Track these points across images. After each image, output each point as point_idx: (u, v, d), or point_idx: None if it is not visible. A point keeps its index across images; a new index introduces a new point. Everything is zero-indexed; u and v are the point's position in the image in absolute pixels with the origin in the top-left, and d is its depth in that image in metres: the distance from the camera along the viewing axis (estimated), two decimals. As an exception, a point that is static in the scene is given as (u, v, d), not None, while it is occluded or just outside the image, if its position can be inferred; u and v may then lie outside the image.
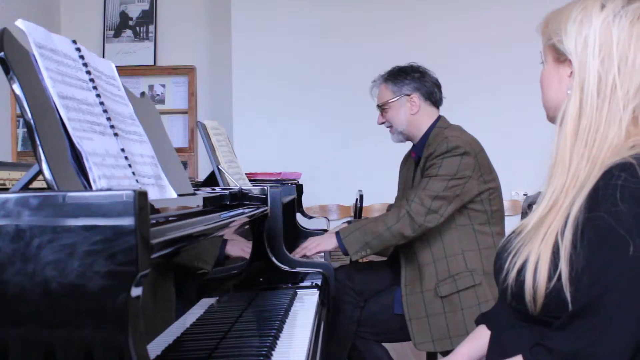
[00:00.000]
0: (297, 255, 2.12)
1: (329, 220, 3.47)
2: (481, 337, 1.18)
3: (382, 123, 2.33)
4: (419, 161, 2.20)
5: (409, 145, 2.40)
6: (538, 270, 0.96)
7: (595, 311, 0.90)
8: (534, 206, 1.04)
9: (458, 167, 2.03)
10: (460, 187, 2.03)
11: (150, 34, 4.52)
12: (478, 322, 1.23)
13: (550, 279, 0.94)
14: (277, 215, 1.79)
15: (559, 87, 1.05)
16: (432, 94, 2.27)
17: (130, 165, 0.98)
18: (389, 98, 2.25)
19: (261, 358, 1.09)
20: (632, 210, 0.88)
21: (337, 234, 2.11)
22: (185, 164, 4.34)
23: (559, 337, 0.93)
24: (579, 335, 0.91)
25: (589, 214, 0.92)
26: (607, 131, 0.97)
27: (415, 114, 2.23)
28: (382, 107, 2.29)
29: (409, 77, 2.25)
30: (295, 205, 2.81)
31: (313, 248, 2.13)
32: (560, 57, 1.05)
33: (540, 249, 0.97)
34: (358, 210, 3.46)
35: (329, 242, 2.12)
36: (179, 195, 1.17)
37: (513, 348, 1.02)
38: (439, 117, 2.25)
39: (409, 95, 2.23)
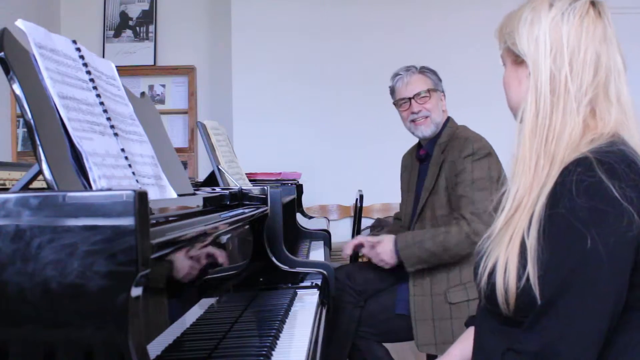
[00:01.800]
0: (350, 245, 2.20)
1: (329, 220, 3.47)
2: (471, 338, 1.18)
3: (419, 111, 2.19)
4: (426, 157, 2.20)
5: (408, 146, 2.40)
6: (507, 272, 0.96)
7: (557, 308, 0.90)
8: (500, 206, 1.05)
9: (489, 169, 2.04)
10: (498, 191, 2.03)
11: (150, 34, 4.52)
12: (468, 325, 1.24)
13: (519, 279, 0.95)
14: (277, 215, 1.79)
15: (519, 89, 1.07)
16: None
17: (130, 165, 0.98)
18: (433, 87, 2.22)
19: (261, 358, 1.09)
20: (588, 203, 0.88)
21: (395, 244, 2.07)
22: (185, 164, 4.34)
23: (526, 338, 0.93)
24: (544, 333, 0.91)
25: (549, 210, 0.92)
26: (564, 127, 0.98)
27: (445, 111, 2.25)
28: (423, 95, 2.19)
29: (439, 78, 2.27)
30: (295, 205, 2.81)
31: (377, 261, 2.12)
32: (517, 59, 1.06)
33: (508, 250, 0.97)
34: (358, 210, 3.45)
35: (390, 258, 2.09)
36: (179, 195, 1.17)
37: (494, 352, 1.02)
38: (448, 118, 2.26)
39: (443, 92, 2.26)
